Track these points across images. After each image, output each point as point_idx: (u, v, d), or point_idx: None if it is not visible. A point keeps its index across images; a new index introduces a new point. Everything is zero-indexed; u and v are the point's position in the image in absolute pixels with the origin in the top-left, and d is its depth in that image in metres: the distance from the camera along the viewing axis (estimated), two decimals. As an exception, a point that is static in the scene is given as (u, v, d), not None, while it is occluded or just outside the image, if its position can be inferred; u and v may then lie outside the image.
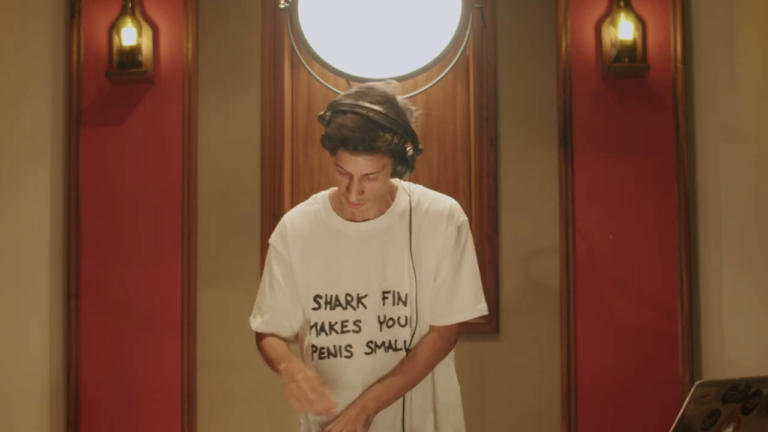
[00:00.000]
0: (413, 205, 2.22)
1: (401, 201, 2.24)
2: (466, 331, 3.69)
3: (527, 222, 3.61)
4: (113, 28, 3.58)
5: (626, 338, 3.46)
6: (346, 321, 2.20)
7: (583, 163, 3.51)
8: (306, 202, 2.30)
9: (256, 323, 2.30)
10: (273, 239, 2.27)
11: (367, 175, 2.07)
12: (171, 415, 3.54)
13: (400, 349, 2.20)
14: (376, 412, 2.16)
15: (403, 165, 2.14)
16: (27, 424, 3.41)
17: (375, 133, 2.04)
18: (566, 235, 3.49)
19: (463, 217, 2.25)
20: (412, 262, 2.19)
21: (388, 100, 2.10)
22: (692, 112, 3.52)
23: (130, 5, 3.57)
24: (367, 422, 2.13)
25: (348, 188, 2.09)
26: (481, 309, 2.25)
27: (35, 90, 3.49)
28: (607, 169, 3.52)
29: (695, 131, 3.52)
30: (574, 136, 3.52)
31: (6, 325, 3.38)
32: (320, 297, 2.20)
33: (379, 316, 2.19)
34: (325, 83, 3.18)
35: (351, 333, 2.20)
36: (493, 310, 3.59)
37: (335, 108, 2.09)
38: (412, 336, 2.20)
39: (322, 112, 2.14)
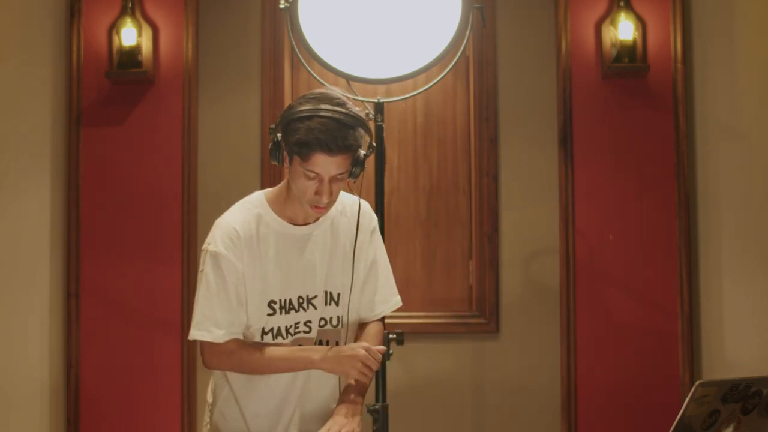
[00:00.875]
0: (340, 207, 2.27)
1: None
2: (466, 331, 3.72)
3: (527, 222, 3.61)
4: (113, 28, 3.58)
5: (626, 338, 3.46)
6: (298, 323, 2.22)
7: (583, 163, 3.51)
8: (240, 206, 2.28)
9: (217, 335, 2.16)
10: (218, 246, 2.18)
11: (335, 176, 2.11)
12: (171, 415, 3.54)
13: None
14: (362, 401, 2.20)
15: (358, 166, 2.17)
16: (27, 423, 3.41)
17: (346, 132, 2.09)
18: (566, 235, 3.49)
19: (376, 216, 2.36)
20: (352, 262, 2.25)
21: (345, 102, 2.15)
22: (692, 112, 3.52)
23: (130, 5, 3.57)
24: (359, 415, 2.17)
25: (318, 192, 2.11)
26: (397, 302, 2.35)
27: (35, 90, 3.49)
28: (607, 169, 3.52)
29: (695, 131, 3.52)
30: (574, 136, 3.52)
31: (6, 325, 3.38)
32: (275, 302, 2.20)
33: (320, 317, 2.24)
34: (325, 83, 3.17)
35: (302, 334, 2.23)
36: (493, 310, 3.59)
37: (294, 116, 2.11)
38: (346, 337, 2.27)
39: (273, 125, 2.16)
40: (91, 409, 3.54)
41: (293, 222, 2.22)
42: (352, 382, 2.19)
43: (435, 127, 3.74)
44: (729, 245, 3.39)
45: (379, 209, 3.06)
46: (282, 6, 3.02)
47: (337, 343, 2.24)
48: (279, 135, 2.15)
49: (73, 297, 3.56)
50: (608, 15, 3.51)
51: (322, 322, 2.23)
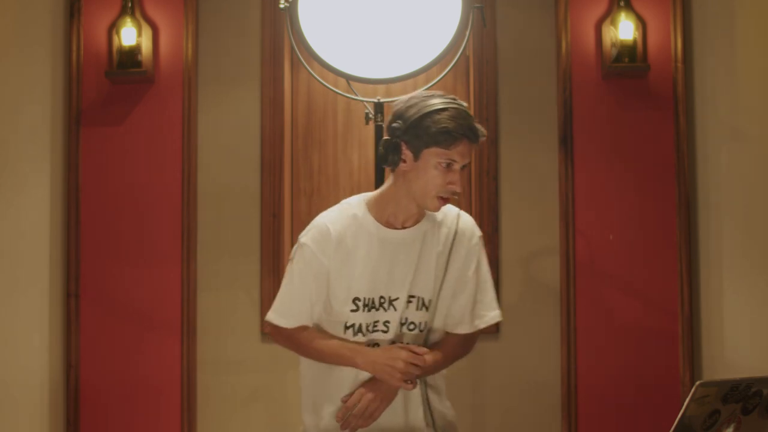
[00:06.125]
0: (440, 217, 2.34)
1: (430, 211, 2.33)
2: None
3: (527, 222, 3.61)
4: (113, 27, 3.58)
5: (626, 338, 3.46)
6: (377, 322, 2.30)
7: (583, 163, 3.51)
8: (339, 206, 2.36)
9: (290, 322, 2.33)
10: (310, 241, 2.30)
11: (464, 166, 2.23)
12: (171, 415, 3.54)
13: None
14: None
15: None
16: (27, 424, 3.40)
17: (475, 123, 2.24)
18: (566, 235, 3.49)
19: (480, 232, 2.40)
20: (444, 270, 2.31)
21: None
22: (692, 112, 3.52)
23: (129, 5, 3.57)
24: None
25: (452, 181, 2.21)
26: (495, 316, 2.40)
27: (35, 90, 3.49)
28: (607, 169, 3.52)
29: (695, 131, 3.52)
30: (574, 136, 3.52)
31: (6, 325, 3.38)
32: (359, 300, 2.28)
33: (401, 318, 2.30)
34: (325, 83, 3.18)
35: (379, 333, 2.30)
36: (493, 310, 3.59)
37: (427, 109, 2.20)
38: (425, 341, 2.34)
39: (396, 124, 2.23)
40: (91, 409, 3.54)
41: (389, 225, 2.30)
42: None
43: (435, 127, 3.74)
44: (729, 245, 3.38)
45: (379, 209, 3.06)
46: (282, 6, 3.02)
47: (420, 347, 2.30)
48: (401, 134, 2.22)
49: (72, 297, 3.56)
50: (608, 15, 3.51)
51: (411, 326, 2.31)
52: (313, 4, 3.04)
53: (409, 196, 2.26)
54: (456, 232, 2.32)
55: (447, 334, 2.38)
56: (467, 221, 2.37)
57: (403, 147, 2.23)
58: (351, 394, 2.28)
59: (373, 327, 2.29)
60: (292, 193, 3.74)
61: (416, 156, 2.21)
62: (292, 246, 3.70)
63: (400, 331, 2.30)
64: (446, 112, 2.19)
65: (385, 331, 2.29)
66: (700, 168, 3.50)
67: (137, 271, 3.57)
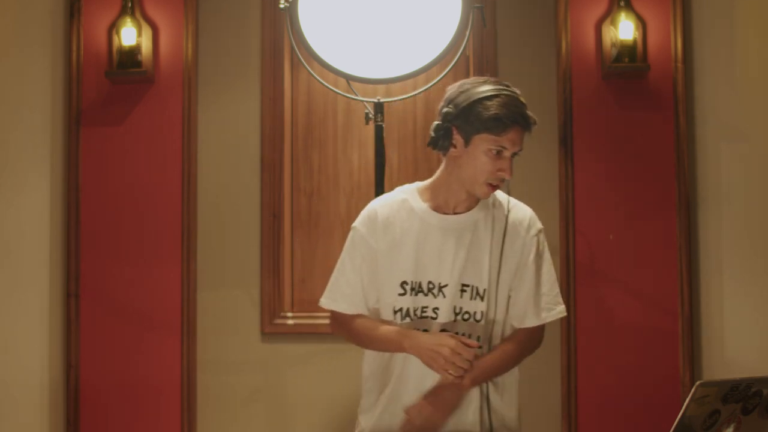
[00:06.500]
0: (493, 205, 2.33)
1: (485, 199, 2.32)
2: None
3: (527, 222, 3.60)
4: (113, 27, 3.58)
5: (626, 338, 3.46)
6: (426, 307, 2.28)
7: (583, 163, 3.51)
8: (390, 193, 2.38)
9: (341, 305, 2.35)
10: (360, 225, 2.34)
11: (515, 152, 2.23)
12: (171, 415, 3.54)
13: None
14: (480, 384, 2.27)
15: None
16: (27, 424, 3.41)
17: (527, 110, 2.22)
18: (566, 235, 3.49)
19: (541, 225, 2.38)
20: (499, 260, 2.29)
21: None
22: (692, 112, 3.52)
23: (129, 5, 3.57)
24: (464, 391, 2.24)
25: (503, 168, 2.21)
26: (561, 310, 2.38)
27: (35, 90, 3.49)
28: (607, 168, 3.52)
29: (695, 131, 3.52)
30: (574, 136, 3.52)
31: (6, 325, 3.38)
32: (406, 283, 2.27)
33: (454, 307, 2.27)
34: (325, 83, 3.18)
35: (429, 319, 2.28)
36: (493, 310, 3.59)
37: (478, 96, 2.19)
38: (490, 334, 2.31)
39: (448, 109, 2.23)
40: (91, 409, 3.54)
41: (440, 210, 2.29)
42: (486, 359, 2.25)
43: (435, 127, 3.74)
44: (729, 245, 3.38)
45: (379, 209, 3.06)
46: (282, 6, 3.02)
47: (479, 339, 2.28)
48: (452, 118, 2.21)
49: (72, 297, 3.56)
50: (608, 15, 3.50)
51: (466, 316, 2.27)
52: (313, 4, 3.04)
53: (459, 181, 2.25)
54: (507, 222, 2.30)
55: (514, 330, 2.35)
56: (524, 212, 2.36)
57: (454, 132, 2.22)
58: (413, 406, 2.24)
59: (422, 312, 2.27)
60: (292, 193, 3.74)
61: (467, 142, 2.20)
62: (292, 246, 3.74)
63: (454, 319, 2.27)
64: (498, 99, 2.18)
65: (434, 318, 2.27)
66: (700, 168, 3.50)
67: (137, 271, 3.57)
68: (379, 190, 3.05)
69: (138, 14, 3.59)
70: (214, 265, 3.64)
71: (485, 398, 2.30)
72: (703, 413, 1.76)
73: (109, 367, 3.55)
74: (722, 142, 3.42)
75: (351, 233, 2.36)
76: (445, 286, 2.26)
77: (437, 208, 2.29)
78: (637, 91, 3.51)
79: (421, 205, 2.30)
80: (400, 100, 3.32)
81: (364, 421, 2.37)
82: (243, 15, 3.71)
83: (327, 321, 3.66)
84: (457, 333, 2.25)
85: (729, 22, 3.42)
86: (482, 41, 3.63)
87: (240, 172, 3.68)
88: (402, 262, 2.27)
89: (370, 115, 3.08)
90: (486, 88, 2.20)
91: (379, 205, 2.34)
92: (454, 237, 2.27)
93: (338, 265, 2.37)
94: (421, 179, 3.71)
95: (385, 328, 2.27)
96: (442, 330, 2.26)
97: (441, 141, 2.24)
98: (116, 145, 3.61)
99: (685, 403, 1.73)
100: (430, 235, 2.27)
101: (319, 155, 3.76)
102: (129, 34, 3.54)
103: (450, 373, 2.17)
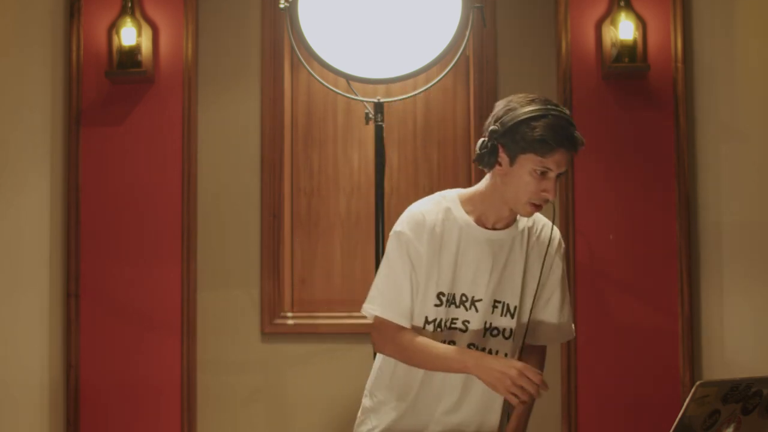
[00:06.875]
0: (530, 224, 2.32)
1: (522, 217, 2.31)
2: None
3: (527, 222, 3.61)
4: (113, 27, 3.58)
5: (626, 338, 3.46)
6: (456, 319, 2.26)
7: (583, 163, 3.51)
8: (432, 197, 2.33)
9: (389, 313, 2.24)
10: (405, 228, 2.26)
11: (560, 173, 2.19)
12: (171, 415, 3.54)
13: None
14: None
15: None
16: (27, 424, 3.41)
17: (575, 130, 2.18)
18: (566, 235, 3.49)
19: (564, 243, 2.40)
20: (536, 280, 2.29)
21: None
22: (692, 112, 3.52)
23: (129, 5, 3.57)
24: None
25: (546, 189, 2.17)
26: (573, 331, 2.42)
27: (35, 90, 3.49)
28: (607, 169, 3.52)
29: (695, 131, 3.52)
30: (574, 136, 3.51)
31: (6, 325, 3.38)
32: (443, 294, 2.25)
33: (485, 322, 2.27)
34: (325, 83, 3.18)
35: (458, 331, 2.26)
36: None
37: (524, 116, 2.16)
38: (517, 351, 2.31)
39: (494, 126, 2.20)
40: (91, 409, 3.54)
41: (479, 223, 2.27)
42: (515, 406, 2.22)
43: (435, 127, 3.74)
44: (729, 245, 3.38)
45: (379, 209, 3.06)
46: (282, 6, 3.02)
47: (506, 355, 2.28)
48: (498, 137, 2.19)
49: (72, 297, 3.56)
50: (608, 15, 3.50)
51: (495, 332, 2.27)
52: (313, 4, 3.04)
53: (503, 198, 2.23)
54: (541, 241, 2.31)
55: (531, 346, 2.34)
56: (554, 231, 2.35)
57: (500, 150, 2.20)
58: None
59: (451, 323, 2.25)
60: (292, 193, 3.74)
61: (512, 161, 2.18)
62: (292, 246, 3.74)
63: (483, 334, 2.26)
64: (544, 120, 2.15)
65: (463, 330, 2.25)
66: (700, 168, 3.50)
67: (137, 271, 3.57)
68: (379, 190, 3.05)
69: (138, 14, 3.59)
70: (214, 265, 3.64)
71: (507, 404, 2.31)
72: (703, 413, 1.76)
73: (109, 367, 3.55)
74: (722, 142, 3.42)
75: (395, 237, 2.27)
76: (479, 300, 2.25)
77: (478, 221, 2.27)
78: (637, 91, 3.51)
79: (465, 217, 2.27)
80: (400, 100, 3.32)
81: (377, 419, 2.35)
82: (243, 15, 3.71)
83: (326, 321, 3.69)
84: (484, 348, 2.26)
85: (729, 22, 3.42)
86: (482, 41, 3.63)
87: (240, 172, 3.68)
88: (442, 272, 2.24)
89: (370, 115, 3.08)
90: (533, 108, 2.18)
91: (425, 210, 2.28)
92: (492, 252, 2.26)
93: (383, 270, 2.27)
94: (421, 179, 3.73)
95: (444, 347, 2.22)
96: (470, 345, 2.25)
97: (486, 158, 2.22)
98: (116, 145, 3.61)
99: (685, 403, 1.73)
100: (470, 248, 2.25)
101: (319, 155, 3.76)
102: (129, 34, 3.54)
103: (516, 396, 2.12)
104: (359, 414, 2.40)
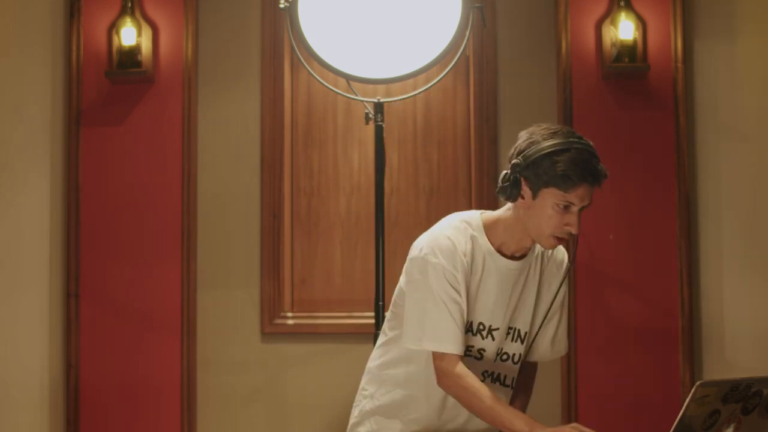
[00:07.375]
0: (541, 249, 2.30)
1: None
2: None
3: (527, 222, 3.61)
4: (113, 27, 3.58)
5: (626, 338, 3.46)
6: (472, 347, 2.24)
7: (583, 163, 3.50)
8: (458, 223, 2.26)
9: (447, 345, 2.14)
10: (439, 258, 2.18)
11: (585, 206, 2.19)
12: (171, 415, 3.54)
13: (508, 386, 2.30)
14: None
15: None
16: (27, 424, 3.41)
17: (599, 163, 2.21)
18: (566, 235, 3.49)
19: (567, 260, 2.37)
20: (546, 305, 2.30)
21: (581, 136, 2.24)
22: (692, 112, 3.52)
23: (129, 5, 3.57)
24: None
25: (570, 223, 2.16)
26: (566, 347, 2.42)
27: (35, 90, 3.49)
28: (606, 169, 3.51)
29: (695, 131, 3.52)
30: (574, 136, 3.51)
31: (6, 325, 3.38)
32: (464, 323, 2.21)
33: (498, 349, 2.26)
34: (325, 83, 3.18)
35: (472, 359, 2.23)
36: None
37: (546, 150, 2.15)
38: (518, 373, 2.32)
39: (516, 160, 2.17)
40: (91, 409, 3.54)
41: (501, 253, 2.25)
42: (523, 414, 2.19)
43: (435, 127, 3.74)
44: (729, 245, 3.39)
45: (379, 209, 3.06)
46: (282, 6, 3.02)
47: (513, 380, 2.29)
48: (520, 170, 2.16)
49: (72, 297, 3.56)
50: (608, 15, 3.50)
51: (505, 356, 2.27)
52: (313, 4, 3.04)
53: (525, 230, 2.21)
54: (566, 271, 2.32)
55: (526, 363, 2.34)
56: (562, 251, 2.35)
57: (523, 183, 2.17)
58: None
59: (467, 351, 2.22)
60: (292, 193, 3.74)
61: (535, 194, 2.15)
62: (292, 246, 3.73)
63: (494, 360, 2.26)
64: (567, 154, 2.14)
65: (478, 358, 2.24)
66: (700, 168, 3.50)
67: (137, 271, 3.57)
68: (379, 190, 3.05)
69: (138, 14, 3.59)
70: (214, 265, 3.64)
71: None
72: (703, 413, 1.76)
73: (109, 367, 3.55)
74: (722, 142, 3.43)
75: (429, 267, 2.18)
76: (496, 329, 2.24)
77: (499, 250, 2.25)
78: (637, 91, 3.50)
79: (488, 246, 2.24)
80: (400, 100, 3.32)
81: (377, 423, 2.33)
82: (243, 15, 3.71)
83: (326, 321, 3.70)
84: (493, 373, 2.25)
85: (729, 22, 3.43)
86: (482, 41, 3.63)
87: (240, 172, 3.68)
88: (467, 300, 2.21)
89: (370, 115, 3.08)
90: (555, 141, 2.16)
91: (453, 238, 2.21)
92: (511, 282, 2.25)
93: (421, 304, 2.17)
94: (421, 179, 3.73)
95: (512, 412, 2.15)
96: (483, 372, 2.24)
97: (509, 191, 2.19)
98: (116, 145, 3.61)
99: (685, 403, 1.73)
100: (491, 278, 2.23)
101: (319, 155, 3.76)
102: (129, 34, 3.54)
103: None
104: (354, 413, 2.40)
